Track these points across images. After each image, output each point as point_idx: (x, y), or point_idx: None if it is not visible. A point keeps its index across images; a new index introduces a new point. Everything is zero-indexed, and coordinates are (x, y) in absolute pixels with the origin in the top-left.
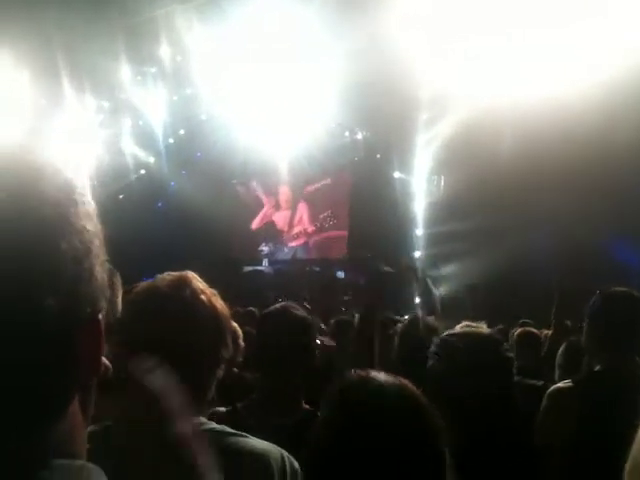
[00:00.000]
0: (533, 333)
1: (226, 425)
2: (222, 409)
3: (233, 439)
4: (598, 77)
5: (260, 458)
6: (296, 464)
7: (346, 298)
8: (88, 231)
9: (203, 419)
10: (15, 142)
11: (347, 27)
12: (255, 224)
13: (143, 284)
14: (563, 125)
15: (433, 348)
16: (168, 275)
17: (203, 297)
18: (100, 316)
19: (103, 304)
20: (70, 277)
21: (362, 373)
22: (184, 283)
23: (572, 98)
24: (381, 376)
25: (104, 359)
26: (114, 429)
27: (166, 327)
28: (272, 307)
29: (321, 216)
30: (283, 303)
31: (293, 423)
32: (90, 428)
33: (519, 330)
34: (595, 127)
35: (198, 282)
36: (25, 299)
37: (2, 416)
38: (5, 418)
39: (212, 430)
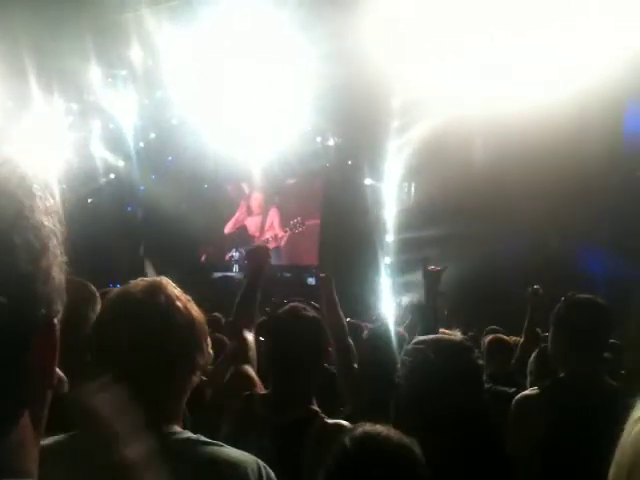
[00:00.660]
0: (504, 340)
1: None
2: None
3: (209, 448)
4: (571, 83)
5: (236, 467)
6: (272, 474)
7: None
8: (45, 227)
9: (178, 428)
10: None
11: (320, 32)
12: (228, 229)
13: (116, 290)
14: (535, 132)
15: (404, 356)
16: (142, 281)
17: (178, 303)
18: (56, 320)
19: (59, 307)
20: (23, 275)
21: (368, 430)
22: (159, 289)
23: (544, 105)
24: (385, 435)
25: (58, 371)
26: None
27: (141, 333)
28: (282, 309)
29: (291, 222)
30: (292, 304)
31: (291, 422)
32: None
33: (490, 337)
34: (568, 134)
35: (173, 288)
36: None
37: None
38: None
39: (188, 439)
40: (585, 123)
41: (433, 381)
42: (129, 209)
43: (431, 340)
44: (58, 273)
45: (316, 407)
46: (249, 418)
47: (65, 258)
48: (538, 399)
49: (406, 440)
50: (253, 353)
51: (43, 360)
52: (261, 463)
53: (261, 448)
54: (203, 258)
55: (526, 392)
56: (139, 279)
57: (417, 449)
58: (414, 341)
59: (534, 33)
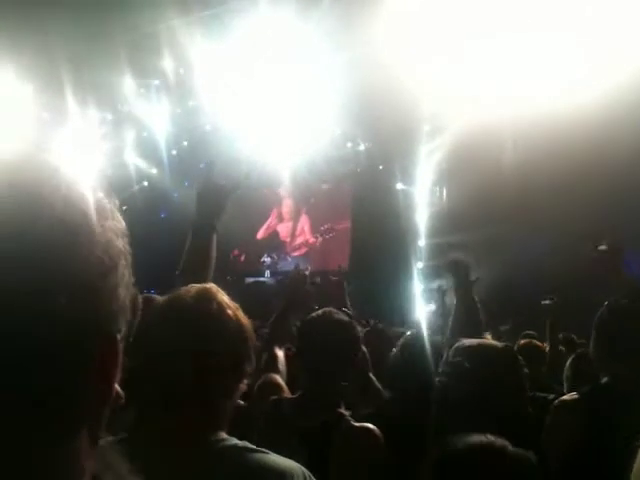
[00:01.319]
0: (536, 345)
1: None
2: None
3: (256, 456)
4: (598, 88)
5: (283, 475)
6: None
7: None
8: (115, 247)
9: (224, 435)
10: (47, 153)
11: (349, 38)
12: (260, 234)
13: (165, 296)
14: (564, 136)
15: (446, 366)
16: (192, 287)
17: (229, 310)
18: (119, 337)
19: (122, 326)
20: (92, 290)
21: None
22: (210, 296)
23: (573, 106)
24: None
25: (117, 386)
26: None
27: (194, 339)
28: (314, 313)
29: (322, 227)
30: (325, 309)
31: (318, 425)
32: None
33: (522, 342)
34: (597, 136)
35: (222, 295)
36: (37, 303)
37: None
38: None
39: (235, 447)
40: (614, 124)
41: (477, 391)
42: (162, 216)
43: (474, 348)
44: (124, 292)
45: (344, 410)
46: (277, 422)
47: (133, 279)
48: (576, 405)
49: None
50: (283, 367)
51: (104, 377)
52: (306, 472)
53: (289, 452)
54: (242, 258)
55: (565, 397)
56: (190, 286)
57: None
58: (456, 347)
59: (562, 33)
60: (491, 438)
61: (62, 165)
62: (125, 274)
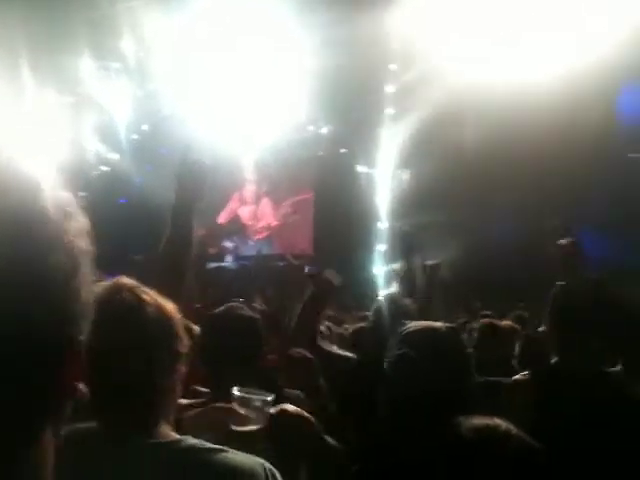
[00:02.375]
0: (495, 325)
1: None
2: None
3: (217, 455)
4: (563, 65)
5: (245, 474)
6: (278, 475)
7: None
8: (77, 248)
9: (175, 434)
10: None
11: (312, 20)
12: (222, 218)
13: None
14: (527, 115)
15: (396, 344)
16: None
17: (144, 296)
18: (82, 338)
19: (85, 326)
20: (56, 295)
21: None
22: (121, 286)
23: (536, 88)
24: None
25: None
26: None
27: (110, 333)
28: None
29: (284, 211)
30: (229, 304)
31: None
32: None
33: (483, 322)
34: (560, 117)
35: (134, 284)
36: (12, 314)
37: None
38: None
39: (192, 447)
40: (578, 106)
41: (417, 372)
42: (123, 201)
43: (413, 331)
44: (87, 293)
45: None
46: None
47: (94, 278)
48: (527, 385)
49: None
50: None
51: (71, 377)
52: (268, 467)
53: None
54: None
55: (516, 377)
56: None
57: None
58: (402, 333)
59: (526, 15)
60: (497, 421)
61: (20, 163)
62: (87, 274)
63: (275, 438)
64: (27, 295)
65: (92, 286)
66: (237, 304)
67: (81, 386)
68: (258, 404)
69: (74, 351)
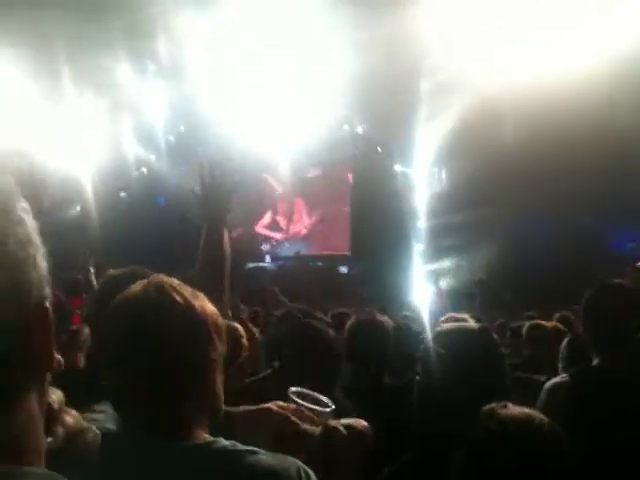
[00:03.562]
0: (541, 325)
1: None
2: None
3: (249, 457)
4: (600, 64)
5: (278, 475)
6: (313, 477)
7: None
8: (27, 224)
9: (207, 436)
10: None
11: (347, 19)
12: (261, 225)
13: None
14: (564, 113)
15: (422, 348)
16: (141, 282)
17: (177, 297)
18: (47, 304)
19: (48, 292)
20: (16, 261)
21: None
22: (155, 285)
23: (573, 86)
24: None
25: (56, 354)
26: None
27: (136, 332)
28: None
29: (321, 211)
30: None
31: None
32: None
33: (529, 323)
34: (597, 119)
35: (172, 283)
36: None
37: None
38: None
39: (223, 449)
40: (614, 101)
41: (448, 372)
42: (161, 201)
43: (445, 331)
44: (42, 261)
45: None
46: None
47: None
48: (567, 386)
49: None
50: None
51: (41, 341)
52: (303, 469)
53: None
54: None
55: (556, 379)
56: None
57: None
58: (435, 334)
59: (562, 14)
60: (529, 411)
61: None
62: (39, 245)
63: (323, 452)
64: None
65: (44, 256)
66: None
67: (58, 355)
68: (318, 409)
69: (42, 315)
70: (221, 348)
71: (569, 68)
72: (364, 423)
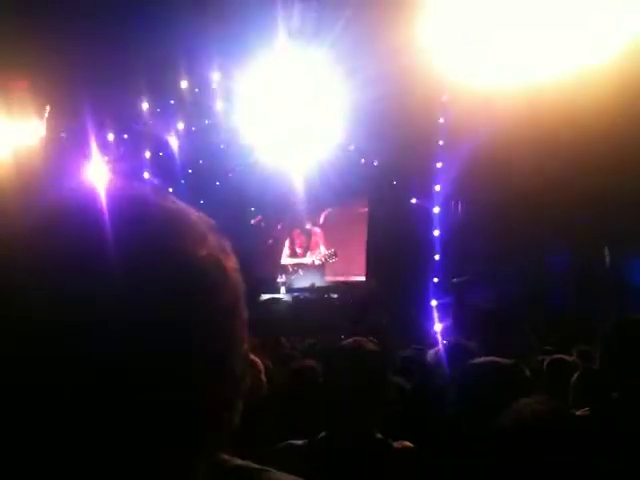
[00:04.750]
0: (564, 360)
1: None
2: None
3: (263, 475)
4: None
5: None
6: None
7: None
8: (240, 286)
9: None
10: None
11: (363, 54)
12: (284, 255)
13: None
14: (580, 144)
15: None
16: None
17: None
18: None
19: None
20: (222, 333)
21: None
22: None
23: (604, 113)
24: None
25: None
26: None
27: None
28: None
29: (337, 242)
30: (355, 338)
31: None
32: None
33: (550, 359)
34: (612, 142)
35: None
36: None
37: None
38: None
39: (237, 467)
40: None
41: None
42: None
43: (479, 367)
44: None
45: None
46: None
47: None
48: (587, 421)
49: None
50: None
51: (215, 403)
52: None
53: None
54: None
55: (577, 413)
56: None
57: None
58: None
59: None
60: (556, 402)
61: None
62: (243, 311)
63: None
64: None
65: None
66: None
67: (231, 417)
68: None
69: (221, 377)
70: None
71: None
72: None
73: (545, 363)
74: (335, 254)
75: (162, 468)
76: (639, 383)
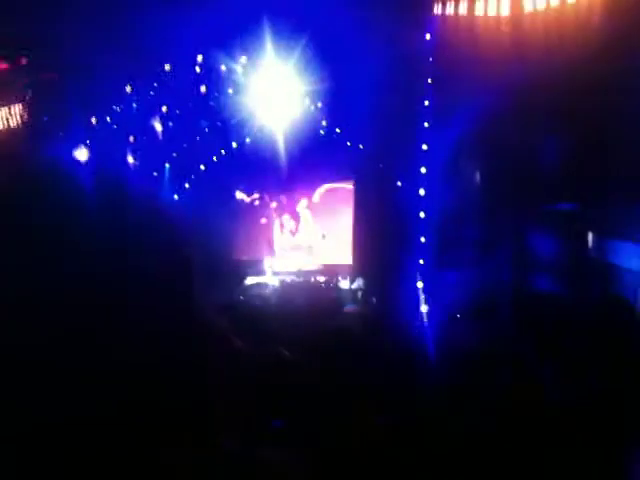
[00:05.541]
0: None
1: None
2: None
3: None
4: None
5: None
6: None
7: None
8: None
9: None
10: None
11: (349, 34)
12: (270, 240)
13: None
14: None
15: None
16: None
17: None
18: None
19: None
20: None
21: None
22: None
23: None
24: None
25: None
26: None
27: None
28: None
29: (324, 225)
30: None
31: None
32: None
33: None
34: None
35: None
36: None
37: None
38: None
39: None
40: None
41: None
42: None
43: None
44: None
45: None
46: None
47: None
48: None
49: None
50: None
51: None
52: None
53: None
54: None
55: None
56: None
57: None
58: None
59: None
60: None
61: None
62: None
63: None
64: None
65: None
66: None
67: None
68: None
69: None
70: None
71: None
72: None
73: None
74: (323, 236)
75: None
76: None
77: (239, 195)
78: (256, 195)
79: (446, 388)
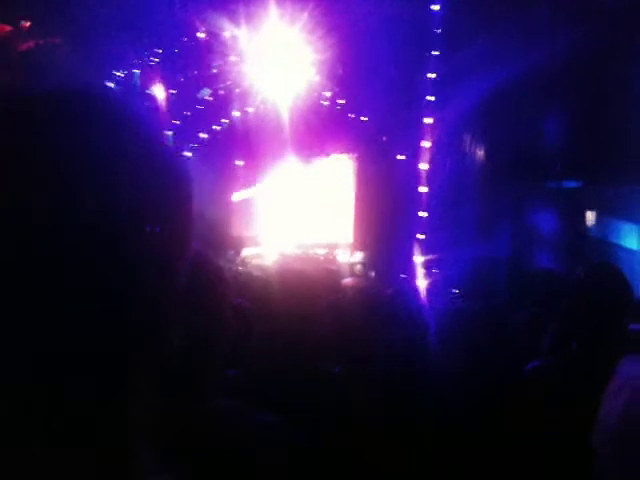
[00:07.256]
0: None
1: None
2: None
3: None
4: None
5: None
6: None
7: None
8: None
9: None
10: None
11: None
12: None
13: None
14: None
15: None
16: None
17: None
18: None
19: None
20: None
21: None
22: None
23: None
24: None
25: None
26: None
27: None
28: None
29: (324, 199)
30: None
31: None
32: None
33: None
34: None
35: None
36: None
37: None
38: None
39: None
40: None
41: None
42: None
43: None
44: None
45: None
46: None
47: None
48: None
49: None
50: None
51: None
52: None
53: None
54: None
55: None
56: None
57: None
58: None
59: None
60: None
61: None
62: None
63: None
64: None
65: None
66: None
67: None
68: None
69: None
70: None
71: None
72: None
73: None
74: (338, 199)
75: None
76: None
77: (239, 167)
78: (256, 168)
79: (445, 365)
